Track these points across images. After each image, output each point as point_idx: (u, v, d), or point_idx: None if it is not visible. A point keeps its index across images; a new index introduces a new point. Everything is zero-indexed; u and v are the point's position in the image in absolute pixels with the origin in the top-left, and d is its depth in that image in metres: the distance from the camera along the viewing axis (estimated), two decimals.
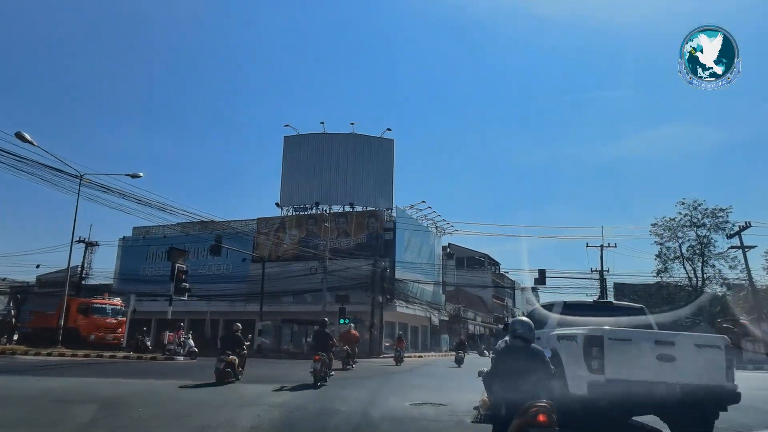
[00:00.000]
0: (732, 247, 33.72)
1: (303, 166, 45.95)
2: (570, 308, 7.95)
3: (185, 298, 22.44)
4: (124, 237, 49.01)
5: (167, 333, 21.88)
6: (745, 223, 33.03)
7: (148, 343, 26.15)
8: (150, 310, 36.83)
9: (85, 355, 21.53)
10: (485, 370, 5.76)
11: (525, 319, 5.23)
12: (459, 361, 24.97)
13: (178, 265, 21.21)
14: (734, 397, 6.26)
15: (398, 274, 39.09)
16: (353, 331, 20.47)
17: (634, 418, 7.48)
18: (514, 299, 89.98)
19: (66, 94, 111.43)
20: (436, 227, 47.57)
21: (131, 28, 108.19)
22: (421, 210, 43.93)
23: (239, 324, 13.94)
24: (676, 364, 6.18)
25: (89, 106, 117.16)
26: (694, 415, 6.40)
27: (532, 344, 5.03)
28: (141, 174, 26.27)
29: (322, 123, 47.92)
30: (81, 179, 24.04)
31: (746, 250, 32.98)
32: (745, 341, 33.34)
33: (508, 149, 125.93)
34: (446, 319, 50.60)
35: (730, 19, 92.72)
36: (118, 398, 9.13)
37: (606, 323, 6.73)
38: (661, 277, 40.33)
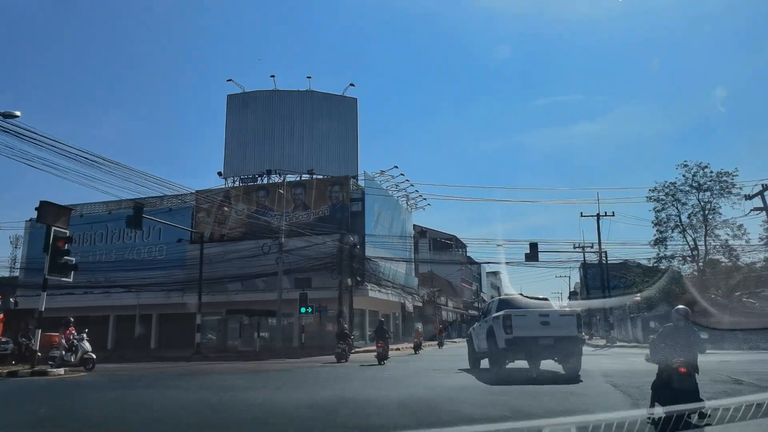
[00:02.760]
0: (755, 209, 29.26)
1: (251, 129, 39.27)
2: (503, 300, 13.79)
3: (69, 279, 15.08)
4: (30, 219, 40.24)
5: (37, 331, 14.55)
6: None
7: (36, 347, 18.76)
8: (63, 305, 29.01)
9: None
10: (653, 337, 7.53)
11: (685, 307, 7.15)
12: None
13: (55, 228, 13.87)
14: (582, 341, 11.94)
15: (368, 253, 32.90)
16: (419, 330, 28.64)
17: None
18: (480, 283, 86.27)
19: None
20: (408, 200, 41.61)
21: None
22: (393, 177, 37.82)
23: (345, 324, 21.32)
24: (550, 325, 11.65)
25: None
26: (569, 356, 11.62)
27: (693, 326, 7.14)
28: (18, 113, 19.16)
29: (273, 77, 41.49)
30: None
31: None
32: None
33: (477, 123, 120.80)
34: (419, 304, 45.05)
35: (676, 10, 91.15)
36: None
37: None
38: (658, 248, 36.19)
